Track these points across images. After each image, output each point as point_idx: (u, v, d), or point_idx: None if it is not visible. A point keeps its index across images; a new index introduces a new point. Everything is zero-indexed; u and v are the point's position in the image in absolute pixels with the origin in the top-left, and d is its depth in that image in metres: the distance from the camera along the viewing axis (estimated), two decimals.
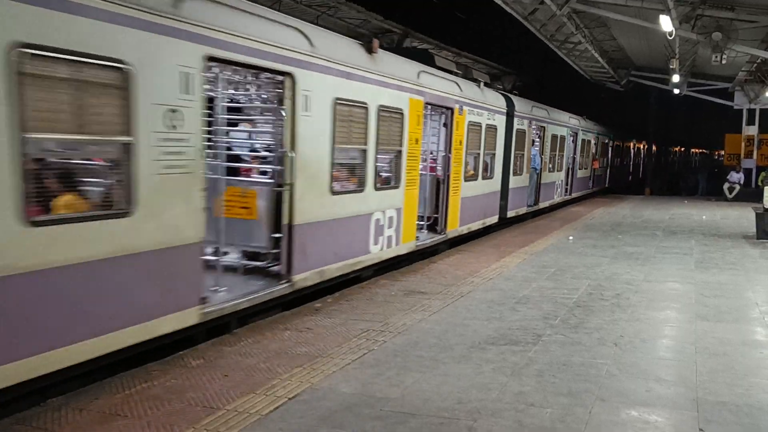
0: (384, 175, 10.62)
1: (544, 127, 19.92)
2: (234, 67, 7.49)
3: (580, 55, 24.71)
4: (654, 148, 46.04)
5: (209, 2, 6.65)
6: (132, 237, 5.71)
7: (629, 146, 40.05)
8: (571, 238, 14.88)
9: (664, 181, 42.10)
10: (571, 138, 23.97)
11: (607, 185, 32.46)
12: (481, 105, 14.39)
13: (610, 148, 32.49)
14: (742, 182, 27.31)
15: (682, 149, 72.31)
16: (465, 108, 13.39)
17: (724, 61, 17.03)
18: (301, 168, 8.07)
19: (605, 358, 6.41)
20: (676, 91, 29.41)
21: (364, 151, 9.64)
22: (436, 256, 12.26)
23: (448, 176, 12.93)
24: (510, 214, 17.38)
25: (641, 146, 43.63)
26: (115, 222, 5.57)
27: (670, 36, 15.87)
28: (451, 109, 12.79)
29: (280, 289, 7.87)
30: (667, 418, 5.07)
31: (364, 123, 9.57)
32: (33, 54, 4.79)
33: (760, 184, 24.34)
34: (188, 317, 6.39)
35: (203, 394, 5.31)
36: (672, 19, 14.64)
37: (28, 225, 4.83)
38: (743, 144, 28.72)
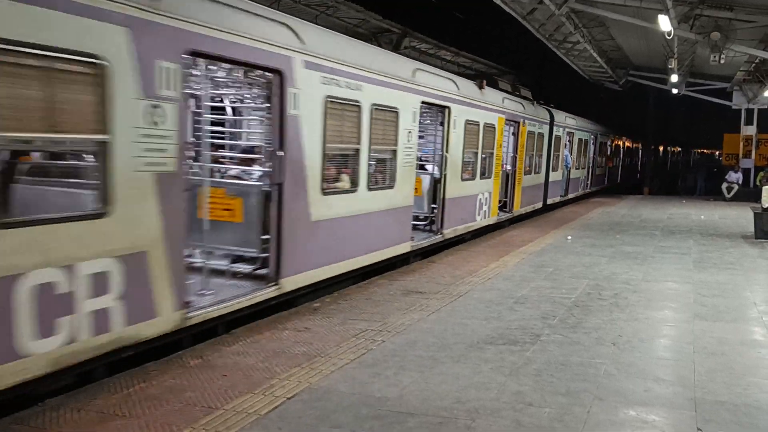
0: (484, 169, 14.77)
1: (573, 133, 23.83)
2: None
3: (578, 55, 24.72)
4: (652, 147, 46.08)
5: None
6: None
7: (636, 146, 42.22)
8: (569, 237, 14.89)
9: (663, 180, 42.13)
10: (592, 141, 27.71)
11: (619, 181, 34.91)
12: (535, 118, 18.87)
13: (617, 149, 35.17)
14: (740, 182, 27.33)
15: (680, 149, 72.36)
16: (526, 121, 17.85)
17: (722, 61, 17.04)
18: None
19: (603, 357, 6.42)
20: (675, 90, 29.42)
21: (476, 153, 14.10)
22: (435, 256, 12.27)
23: (515, 171, 17.38)
24: (549, 201, 21.74)
25: (639, 145, 43.81)
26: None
27: (669, 36, 15.88)
28: (518, 123, 17.19)
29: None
30: (665, 417, 5.07)
31: (476, 135, 14.00)
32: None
33: (758, 183, 24.38)
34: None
35: (201, 394, 5.31)
36: (670, 19, 14.65)
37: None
38: (741, 144, 28.73)
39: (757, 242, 14.85)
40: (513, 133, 17.05)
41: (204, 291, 7.14)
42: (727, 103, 29.01)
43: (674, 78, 24.44)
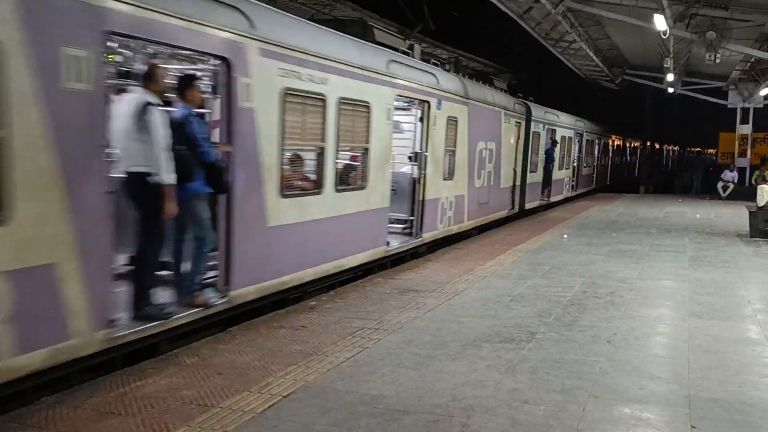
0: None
1: (555, 130, 23.07)
2: None
3: (575, 54, 24.76)
4: (649, 146, 46.17)
5: None
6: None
7: (630, 145, 42.02)
8: (565, 236, 14.91)
9: (659, 179, 42.21)
10: (577, 139, 27.39)
11: (608, 182, 34.53)
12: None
13: (607, 147, 34.27)
14: (735, 181, 27.39)
15: (676, 147, 72.50)
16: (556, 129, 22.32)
17: (718, 60, 17.09)
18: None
19: (599, 355, 6.44)
20: (671, 89, 29.47)
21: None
22: (431, 254, 12.28)
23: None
24: (527, 206, 20.74)
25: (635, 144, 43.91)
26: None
27: (665, 35, 15.93)
28: (554, 130, 21.38)
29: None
30: (659, 415, 5.09)
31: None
32: None
33: (753, 182, 24.41)
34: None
35: (197, 392, 5.31)
36: (666, 18, 14.69)
37: None
38: (737, 143, 28.79)
39: (752, 241, 14.89)
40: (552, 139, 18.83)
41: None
42: (723, 102, 29.06)
43: (670, 77, 24.50)
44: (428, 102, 11.92)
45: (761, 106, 27.93)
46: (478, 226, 15.58)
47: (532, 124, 19.34)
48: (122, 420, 4.78)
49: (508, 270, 10.69)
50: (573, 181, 26.46)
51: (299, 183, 8.58)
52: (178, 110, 6.70)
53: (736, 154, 28.62)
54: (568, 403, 5.23)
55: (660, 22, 14.96)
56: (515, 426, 4.79)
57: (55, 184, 5.06)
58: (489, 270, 10.64)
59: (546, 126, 21.16)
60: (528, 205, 19.86)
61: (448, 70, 14.94)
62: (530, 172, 19.82)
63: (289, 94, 7.71)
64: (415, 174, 12.00)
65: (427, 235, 12.41)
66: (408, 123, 12.31)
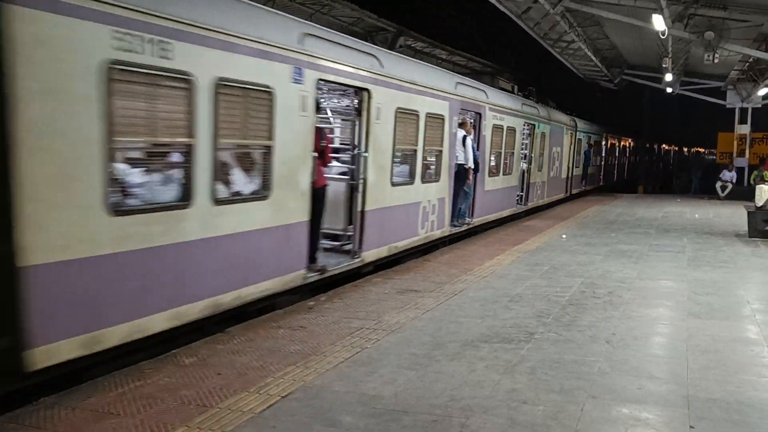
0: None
1: (534, 125, 23.75)
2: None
3: (573, 54, 24.76)
4: (647, 145, 46.23)
5: None
6: None
7: (626, 144, 41.95)
8: (564, 236, 14.92)
9: (658, 179, 42.24)
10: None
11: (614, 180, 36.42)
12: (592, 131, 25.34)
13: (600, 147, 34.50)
14: (734, 181, 27.41)
15: (676, 147, 72.58)
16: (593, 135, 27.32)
17: (716, 60, 17.10)
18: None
19: (597, 355, 6.44)
20: (669, 89, 29.48)
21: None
22: (429, 255, 12.28)
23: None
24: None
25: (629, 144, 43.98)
26: None
27: (663, 35, 15.93)
28: (590, 136, 24.75)
29: None
30: (658, 415, 5.09)
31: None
32: None
33: (752, 182, 24.42)
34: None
35: (196, 393, 5.31)
36: (665, 18, 14.69)
37: None
38: (736, 143, 28.82)
39: (751, 241, 14.90)
40: (591, 144, 23.14)
41: None
42: (721, 102, 29.09)
43: (669, 77, 24.51)
44: (534, 125, 19.30)
45: (759, 106, 27.96)
46: (552, 202, 22.81)
47: (577, 133, 25.97)
48: (120, 420, 4.78)
49: (507, 270, 10.69)
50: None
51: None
52: None
53: (734, 154, 28.65)
54: (566, 403, 5.23)
55: (658, 22, 14.96)
56: (514, 426, 4.79)
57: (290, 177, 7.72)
58: (488, 270, 10.64)
59: (584, 133, 27.56)
60: (573, 191, 26.42)
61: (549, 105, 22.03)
62: (575, 167, 26.43)
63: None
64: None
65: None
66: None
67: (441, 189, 12.81)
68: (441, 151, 12.47)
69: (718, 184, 27.53)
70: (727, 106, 28.72)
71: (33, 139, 4.97)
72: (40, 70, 5.00)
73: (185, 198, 6.48)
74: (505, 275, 10.26)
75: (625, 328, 7.44)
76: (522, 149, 18.54)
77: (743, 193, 23.99)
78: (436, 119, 12.04)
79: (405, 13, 23.48)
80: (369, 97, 9.76)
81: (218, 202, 6.85)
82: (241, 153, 7.52)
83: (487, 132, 15.23)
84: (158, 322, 6.22)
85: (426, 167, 12.06)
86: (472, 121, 14.26)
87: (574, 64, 26.79)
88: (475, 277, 10.10)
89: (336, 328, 7.22)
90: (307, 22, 9.03)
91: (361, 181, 9.84)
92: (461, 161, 13.48)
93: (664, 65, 21.29)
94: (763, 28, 16.01)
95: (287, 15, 8.55)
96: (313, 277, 8.67)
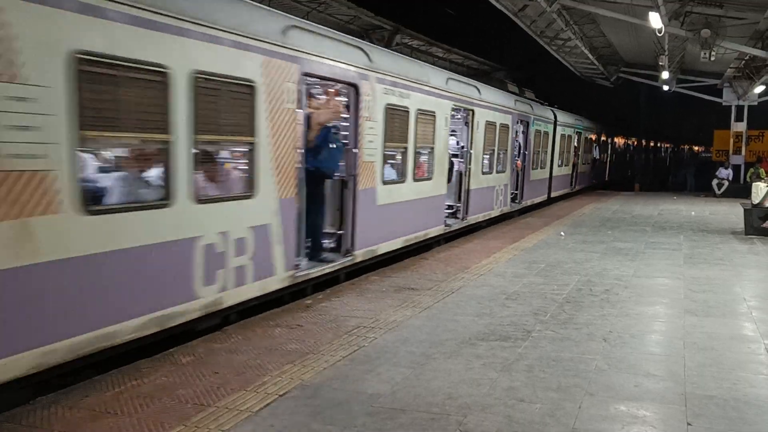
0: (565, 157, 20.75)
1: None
2: None
3: (570, 52, 24.78)
4: (643, 143, 46.31)
5: None
6: None
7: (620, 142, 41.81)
8: (562, 233, 14.94)
9: (654, 177, 42.30)
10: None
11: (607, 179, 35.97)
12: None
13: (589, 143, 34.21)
14: (730, 178, 27.47)
15: (671, 145, 72.71)
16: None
17: (712, 58, 17.12)
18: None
19: (594, 353, 6.45)
20: (666, 87, 29.51)
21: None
22: (427, 253, 12.27)
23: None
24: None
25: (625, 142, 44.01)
26: None
27: (659, 33, 15.92)
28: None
29: None
30: (655, 412, 5.10)
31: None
32: None
33: (748, 180, 24.50)
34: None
35: (193, 391, 5.30)
36: (661, 16, 14.69)
37: None
38: (732, 140, 28.87)
39: (747, 238, 14.94)
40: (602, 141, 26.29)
41: None
42: (718, 99, 29.13)
43: (665, 75, 24.54)
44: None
45: (756, 103, 28.01)
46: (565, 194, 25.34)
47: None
48: (118, 419, 4.77)
49: (504, 268, 10.70)
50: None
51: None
52: None
53: (730, 152, 28.69)
54: (564, 401, 5.24)
55: (655, 20, 14.96)
56: (511, 424, 4.79)
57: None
58: (485, 268, 10.65)
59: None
60: (577, 187, 28.11)
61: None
62: (582, 164, 28.31)
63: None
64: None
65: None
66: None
67: (506, 177, 17.49)
68: (506, 150, 17.22)
69: (715, 182, 27.58)
70: (724, 104, 28.76)
71: None
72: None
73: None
74: (502, 273, 10.27)
75: (622, 325, 7.45)
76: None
77: (739, 190, 24.06)
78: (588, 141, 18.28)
79: (401, 11, 23.45)
80: (473, 115, 14.42)
81: (415, 179, 11.69)
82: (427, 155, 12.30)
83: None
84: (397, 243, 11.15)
85: (498, 162, 16.60)
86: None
87: (571, 61, 26.80)
88: (472, 274, 10.10)
89: (333, 326, 7.22)
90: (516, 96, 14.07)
91: (467, 170, 14.43)
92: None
93: (660, 63, 21.35)
94: (759, 25, 16.03)
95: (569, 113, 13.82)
96: (449, 228, 13.61)
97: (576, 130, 26.74)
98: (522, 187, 19.37)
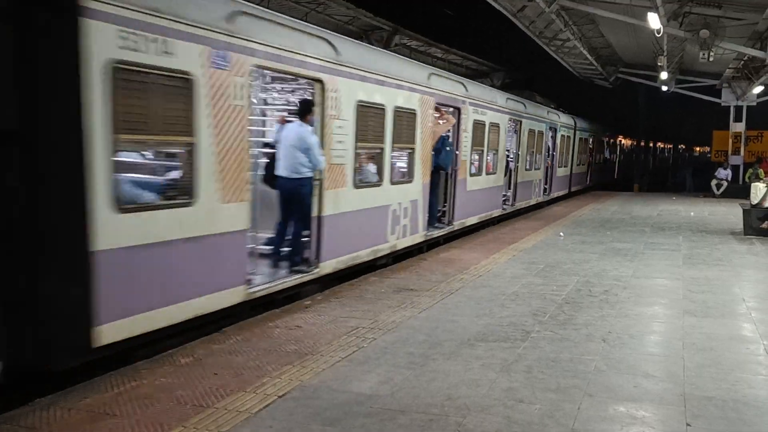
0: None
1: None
2: None
3: (569, 52, 24.77)
4: (642, 144, 46.29)
5: None
6: None
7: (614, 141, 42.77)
8: (561, 234, 14.94)
9: (653, 177, 42.25)
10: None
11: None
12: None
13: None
14: (729, 179, 27.47)
15: (670, 146, 72.74)
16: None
17: (711, 59, 17.11)
18: None
19: (593, 354, 6.45)
20: (665, 88, 29.52)
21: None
22: (425, 253, 12.28)
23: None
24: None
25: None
26: None
27: (658, 33, 15.93)
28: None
29: None
30: (654, 413, 5.11)
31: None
32: None
33: (747, 180, 24.49)
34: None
35: (192, 393, 5.30)
36: (660, 17, 14.69)
37: None
38: (731, 141, 28.87)
39: (746, 239, 14.94)
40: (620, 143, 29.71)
41: None
42: (716, 100, 29.14)
43: (664, 75, 24.53)
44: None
45: (754, 104, 28.01)
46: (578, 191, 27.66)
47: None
48: (117, 421, 4.77)
49: (503, 269, 10.70)
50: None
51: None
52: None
53: (729, 152, 28.70)
54: (563, 401, 5.23)
55: (654, 21, 14.97)
56: (510, 425, 4.79)
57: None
58: (484, 269, 10.65)
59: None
60: (592, 183, 31.16)
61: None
62: (596, 163, 31.57)
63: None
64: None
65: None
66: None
67: (540, 174, 21.58)
68: (541, 152, 21.37)
69: (714, 182, 27.60)
70: (722, 104, 28.76)
71: None
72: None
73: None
74: (501, 274, 10.27)
75: (621, 326, 7.46)
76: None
77: (738, 191, 24.06)
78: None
79: (400, 11, 23.44)
80: (521, 125, 18.04)
81: (487, 173, 15.77)
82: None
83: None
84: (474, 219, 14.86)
85: (535, 162, 20.56)
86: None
87: (570, 62, 26.81)
88: (471, 275, 10.10)
89: (332, 327, 7.22)
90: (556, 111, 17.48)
91: (516, 167, 18.50)
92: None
93: (659, 63, 21.34)
94: (758, 26, 16.02)
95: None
96: (504, 211, 17.58)
97: (591, 134, 30.64)
98: (550, 181, 23.32)
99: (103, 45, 5.53)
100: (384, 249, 10.81)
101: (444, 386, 5.51)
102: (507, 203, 18.37)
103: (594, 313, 8.00)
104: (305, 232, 8.67)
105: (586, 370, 5.97)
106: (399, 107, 10.92)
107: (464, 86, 14.14)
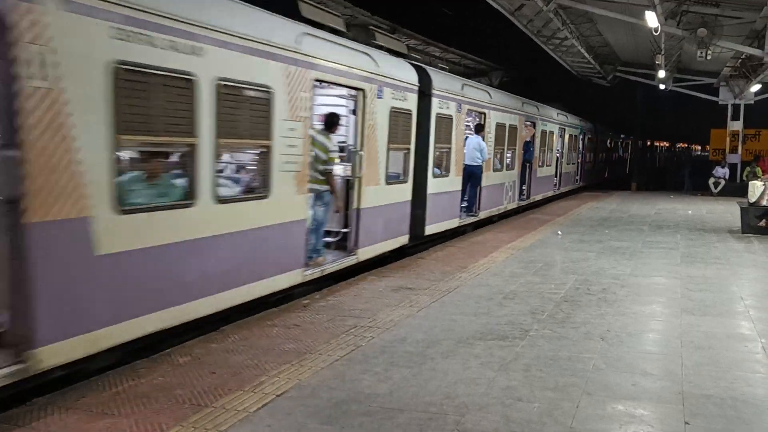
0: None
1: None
2: None
3: (567, 51, 24.78)
4: (640, 142, 46.30)
5: None
6: None
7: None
8: (559, 233, 14.95)
9: (651, 176, 42.26)
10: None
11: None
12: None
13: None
14: (727, 177, 27.50)
15: (668, 144, 72.72)
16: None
17: (709, 57, 17.14)
18: None
19: (592, 352, 6.45)
20: (662, 86, 29.54)
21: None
22: (423, 252, 12.27)
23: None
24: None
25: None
26: None
27: (656, 32, 15.94)
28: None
29: None
30: (653, 411, 5.11)
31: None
32: None
33: (744, 178, 24.53)
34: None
35: (191, 392, 5.29)
36: (657, 15, 14.70)
37: None
38: (728, 139, 28.90)
39: (744, 237, 14.96)
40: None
41: None
42: (714, 98, 29.15)
43: (661, 74, 24.54)
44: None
45: (752, 102, 28.03)
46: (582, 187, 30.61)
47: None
48: (115, 420, 4.76)
49: (501, 267, 10.70)
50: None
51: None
52: None
53: (727, 151, 28.73)
54: (561, 400, 5.24)
55: (651, 19, 14.97)
56: (509, 424, 4.79)
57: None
58: (482, 267, 10.65)
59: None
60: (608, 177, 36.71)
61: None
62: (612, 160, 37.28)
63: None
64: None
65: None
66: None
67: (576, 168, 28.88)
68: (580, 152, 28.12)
69: (711, 181, 27.62)
70: (720, 103, 28.78)
71: None
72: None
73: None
74: (499, 272, 10.27)
75: (620, 324, 7.46)
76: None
77: (736, 189, 24.08)
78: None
79: (398, 10, 23.41)
80: (564, 131, 22.12)
81: (546, 165, 22.69)
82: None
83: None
84: (539, 197, 22.04)
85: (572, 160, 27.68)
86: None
87: (568, 61, 26.81)
88: (469, 274, 10.10)
89: (331, 326, 7.21)
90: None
91: (560, 162, 24.61)
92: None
93: (657, 62, 21.34)
94: (756, 24, 16.05)
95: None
96: (554, 193, 24.09)
97: (610, 137, 37.80)
98: (582, 173, 30.75)
99: None
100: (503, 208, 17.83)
101: (442, 385, 5.51)
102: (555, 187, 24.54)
103: (592, 311, 8.01)
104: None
105: (585, 369, 5.97)
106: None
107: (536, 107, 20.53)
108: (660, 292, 9.24)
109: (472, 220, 15.28)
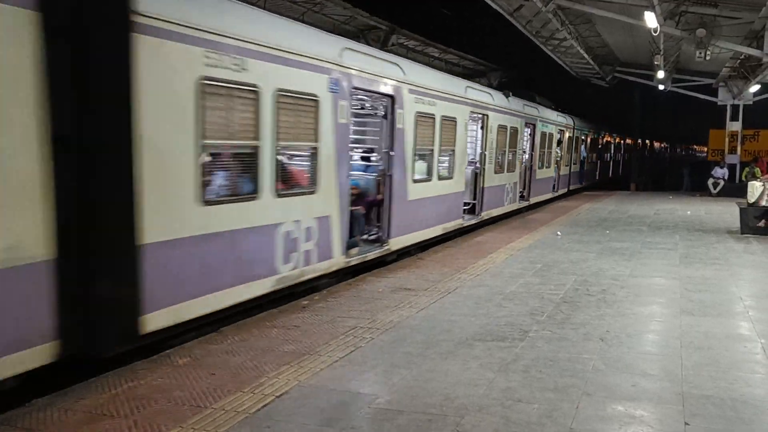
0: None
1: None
2: None
3: (565, 52, 24.78)
4: (639, 143, 46.40)
5: None
6: None
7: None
8: (558, 233, 14.95)
9: (650, 176, 42.31)
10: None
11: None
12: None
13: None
14: (726, 177, 27.51)
15: (667, 145, 72.84)
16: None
17: (707, 58, 17.13)
18: None
19: (591, 353, 6.45)
20: (661, 87, 29.56)
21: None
22: (423, 253, 12.27)
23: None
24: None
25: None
26: None
27: (655, 32, 15.95)
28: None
29: None
30: (652, 412, 5.11)
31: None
32: None
33: (743, 179, 24.54)
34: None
35: (190, 393, 5.29)
36: (656, 16, 14.71)
37: None
38: (727, 140, 28.91)
39: (743, 237, 14.97)
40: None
41: None
42: (713, 99, 29.16)
43: (660, 74, 24.56)
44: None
45: (751, 102, 28.03)
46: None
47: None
48: (114, 422, 4.75)
49: (501, 268, 10.70)
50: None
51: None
52: None
53: (726, 151, 28.75)
54: (561, 401, 5.23)
55: (650, 20, 14.98)
56: (508, 425, 4.79)
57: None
58: (481, 268, 10.65)
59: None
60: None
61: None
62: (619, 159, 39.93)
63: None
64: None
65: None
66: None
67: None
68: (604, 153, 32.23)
69: (710, 181, 27.63)
70: (719, 103, 28.80)
71: None
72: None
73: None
74: (499, 273, 10.27)
75: (619, 325, 7.46)
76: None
77: (735, 189, 24.08)
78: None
79: (397, 10, 23.42)
80: (587, 137, 26.24)
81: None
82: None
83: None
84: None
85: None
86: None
87: (566, 61, 26.82)
88: (469, 275, 10.10)
89: (330, 327, 7.21)
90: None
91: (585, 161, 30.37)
92: None
93: (655, 62, 21.35)
94: (754, 25, 16.05)
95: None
96: (586, 185, 30.89)
97: (620, 138, 40.86)
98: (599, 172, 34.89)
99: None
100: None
101: (442, 386, 5.51)
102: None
103: (592, 312, 8.01)
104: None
105: (584, 370, 5.97)
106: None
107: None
108: (659, 293, 9.24)
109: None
